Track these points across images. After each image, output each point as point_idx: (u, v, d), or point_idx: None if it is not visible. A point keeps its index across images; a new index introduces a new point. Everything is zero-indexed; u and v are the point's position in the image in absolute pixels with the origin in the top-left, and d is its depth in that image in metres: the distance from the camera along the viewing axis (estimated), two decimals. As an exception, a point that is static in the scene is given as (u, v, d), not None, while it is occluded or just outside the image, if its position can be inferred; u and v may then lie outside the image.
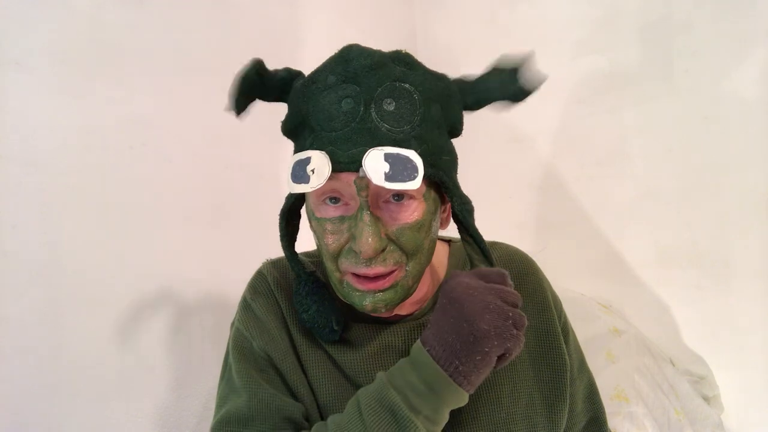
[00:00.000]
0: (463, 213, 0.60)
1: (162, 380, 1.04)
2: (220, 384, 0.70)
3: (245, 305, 0.71)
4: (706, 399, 1.25)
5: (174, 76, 1.10)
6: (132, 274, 1.00)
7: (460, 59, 1.69)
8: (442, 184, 0.58)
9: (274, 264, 0.74)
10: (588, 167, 1.46)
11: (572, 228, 1.50)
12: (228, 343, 0.72)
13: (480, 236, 0.61)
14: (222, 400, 0.66)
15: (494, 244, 0.77)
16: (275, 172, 1.27)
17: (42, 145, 0.90)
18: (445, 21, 1.78)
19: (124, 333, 0.99)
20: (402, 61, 0.58)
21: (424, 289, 0.69)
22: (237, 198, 1.20)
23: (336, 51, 0.60)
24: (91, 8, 0.97)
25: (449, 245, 0.77)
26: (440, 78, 0.60)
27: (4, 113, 0.86)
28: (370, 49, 0.59)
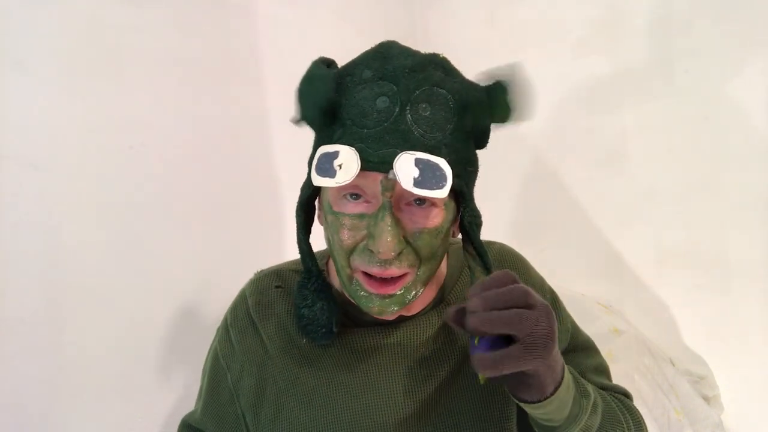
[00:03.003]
0: (472, 226, 0.60)
1: (162, 380, 1.04)
2: (201, 382, 0.75)
3: (225, 327, 0.73)
4: (706, 399, 1.26)
5: (174, 76, 1.10)
6: (132, 274, 1.00)
7: (459, 59, 1.69)
8: (461, 194, 0.58)
9: (259, 281, 0.73)
10: (588, 167, 1.46)
11: (572, 228, 1.50)
12: (208, 356, 0.75)
13: (484, 250, 0.61)
14: (196, 405, 0.75)
15: (486, 243, 0.76)
16: (274, 172, 1.27)
17: (42, 145, 0.90)
18: (444, 21, 1.78)
19: (124, 333, 0.99)
20: (440, 65, 0.57)
21: (427, 292, 0.69)
22: (236, 197, 1.20)
23: (374, 46, 0.58)
24: (91, 8, 0.97)
25: None
26: (475, 87, 0.58)
27: (5, 113, 0.86)
28: (410, 49, 0.58)
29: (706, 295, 1.30)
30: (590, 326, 1.27)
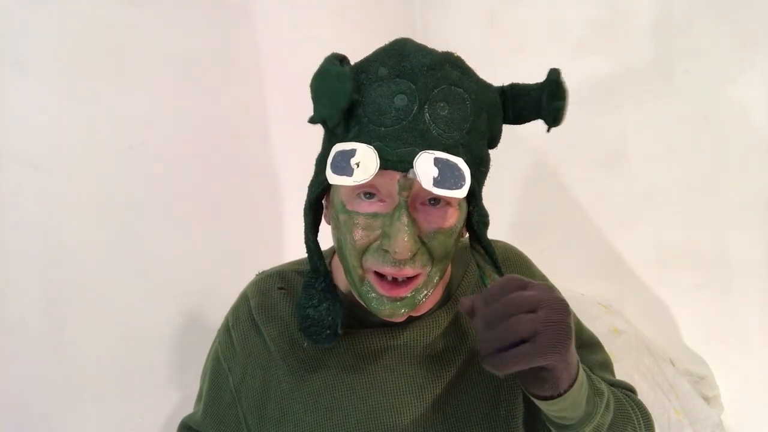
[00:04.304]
0: (479, 225, 0.60)
1: (162, 380, 1.04)
2: (201, 384, 0.74)
3: (226, 329, 0.72)
4: (706, 399, 1.26)
5: (173, 77, 1.10)
6: (132, 274, 1.00)
7: (460, 59, 1.70)
8: (473, 194, 0.57)
9: (261, 282, 0.72)
10: (588, 167, 1.46)
11: (572, 228, 1.50)
12: (208, 357, 0.74)
13: (492, 249, 0.61)
14: (195, 407, 0.74)
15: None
16: (274, 172, 1.27)
17: (42, 145, 0.90)
18: (444, 21, 1.78)
19: (124, 333, 0.99)
20: (456, 65, 0.57)
21: (435, 292, 0.68)
22: (236, 197, 1.20)
23: (388, 43, 0.57)
24: (91, 8, 0.97)
25: None
26: (489, 88, 0.59)
27: (5, 113, 0.86)
28: (425, 46, 0.57)
29: (706, 295, 1.30)
30: (590, 326, 1.27)
